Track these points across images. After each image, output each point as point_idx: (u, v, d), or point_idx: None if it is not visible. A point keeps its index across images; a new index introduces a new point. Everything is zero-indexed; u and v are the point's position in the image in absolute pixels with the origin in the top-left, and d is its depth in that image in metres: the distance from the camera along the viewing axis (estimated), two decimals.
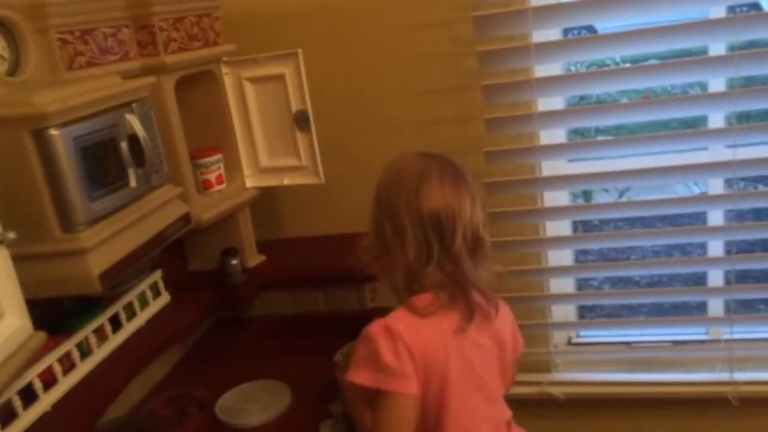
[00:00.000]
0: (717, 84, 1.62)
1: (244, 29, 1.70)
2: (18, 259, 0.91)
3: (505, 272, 1.20)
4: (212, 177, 1.55)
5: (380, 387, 1.06)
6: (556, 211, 1.76)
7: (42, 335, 0.95)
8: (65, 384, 1.19)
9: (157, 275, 1.51)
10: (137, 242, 1.18)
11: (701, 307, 1.79)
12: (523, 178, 1.70)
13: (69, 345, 1.21)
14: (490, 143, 1.67)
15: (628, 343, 1.83)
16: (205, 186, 1.54)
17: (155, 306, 1.48)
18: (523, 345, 1.26)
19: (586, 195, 1.99)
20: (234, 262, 1.59)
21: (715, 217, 1.70)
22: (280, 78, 1.54)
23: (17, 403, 1.10)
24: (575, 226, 1.89)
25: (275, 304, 1.69)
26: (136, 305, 1.42)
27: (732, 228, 1.63)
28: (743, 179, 1.66)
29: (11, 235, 0.88)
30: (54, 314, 1.21)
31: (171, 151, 1.39)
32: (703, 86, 1.64)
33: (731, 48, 1.58)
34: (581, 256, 1.98)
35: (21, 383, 1.10)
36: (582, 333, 1.88)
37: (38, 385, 1.14)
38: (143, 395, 1.42)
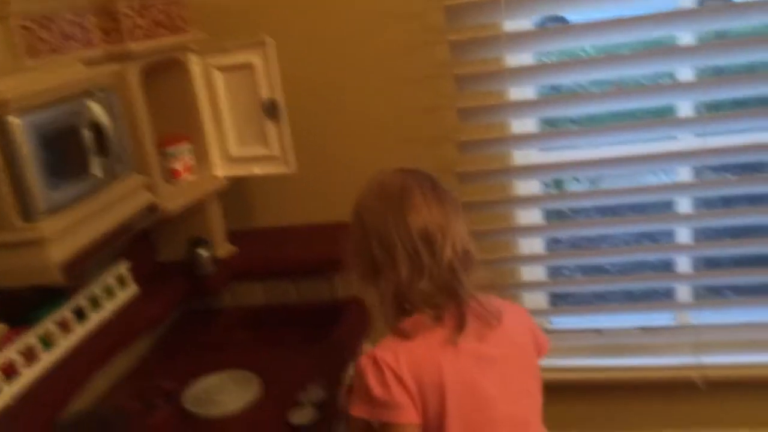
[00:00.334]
0: (685, 74, 1.63)
1: (214, 17, 1.68)
2: None
3: (495, 285, 1.17)
4: (180, 166, 1.52)
5: (376, 419, 1.05)
6: (528, 200, 1.77)
7: (2, 327, 0.93)
8: (27, 376, 1.17)
9: (123, 266, 1.48)
10: (100, 232, 1.16)
11: (670, 294, 1.82)
12: (496, 167, 1.70)
13: (30, 337, 1.19)
14: (463, 133, 1.67)
15: (598, 330, 1.85)
16: (173, 175, 1.52)
17: (122, 297, 1.46)
18: (548, 344, 1.20)
19: (558, 185, 2.00)
20: (203, 252, 1.57)
21: (683, 205, 1.72)
22: (249, 66, 1.52)
23: None
24: (547, 216, 1.90)
25: (246, 294, 1.68)
26: (102, 296, 1.40)
27: (699, 215, 1.65)
28: (711, 168, 1.68)
29: None
30: (15, 306, 1.18)
31: (137, 139, 1.36)
32: (673, 77, 1.65)
33: (700, 38, 1.60)
34: (553, 245, 1.99)
35: None
36: (554, 320, 1.90)
37: None
38: (109, 388, 1.40)
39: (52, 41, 1.23)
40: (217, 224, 1.65)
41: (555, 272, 2.00)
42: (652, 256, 1.89)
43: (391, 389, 1.04)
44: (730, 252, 1.72)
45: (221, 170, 1.60)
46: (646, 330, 1.82)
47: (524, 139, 1.69)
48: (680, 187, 1.71)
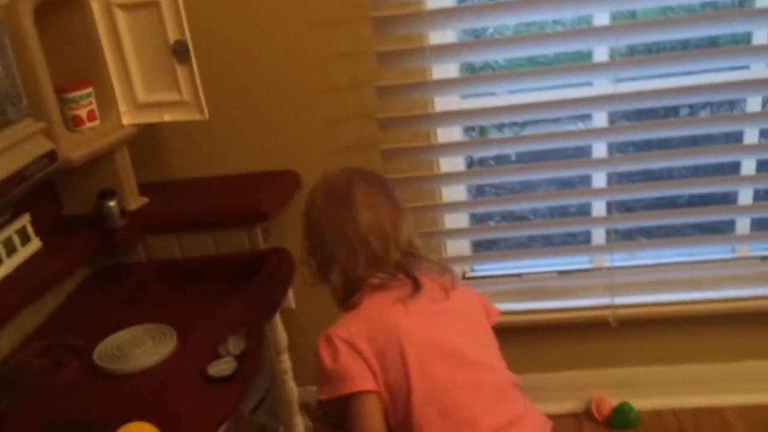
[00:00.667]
0: (601, 18, 1.65)
1: None
2: None
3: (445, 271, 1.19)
4: (83, 113, 1.43)
5: (336, 395, 1.05)
6: (449, 147, 1.77)
7: None
8: None
9: (25, 219, 1.39)
10: None
11: (587, 240, 1.88)
12: (416, 113, 1.68)
13: None
14: (382, 78, 1.64)
15: (518, 275, 1.90)
16: (75, 123, 1.42)
17: (24, 252, 1.37)
18: (498, 315, 1.22)
19: (483, 133, 2.01)
20: (111, 204, 1.49)
21: (600, 150, 1.76)
22: (154, 5, 1.42)
23: None
24: (470, 164, 1.91)
25: (161, 248, 1.61)
26: (1, 251, 1.31)
27: (613, 160, 1.70)
28: (626, 114, 1.73)
29: None
30: None
31: (31, 82, 1.27)
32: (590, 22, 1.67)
33: None
34: (478, 196, 2.02)
35: None
36: (476, 267, 1.93)
37: None
38: (14, 347, 1.33)
39: None
40: (126, 175, 1.57)
41: (480, 221, 2.03)
42: (571, 201, 1.94)
43: (345, 359, 1.05)
44: (642, 196, 1.78)
45: (128, 117, 1.52)
46: (563, 273, 1.88)
47: (444, 84, 1.68)
48: (595, 132, 1.75)
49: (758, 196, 1.80)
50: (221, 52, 1.64)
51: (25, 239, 1.39)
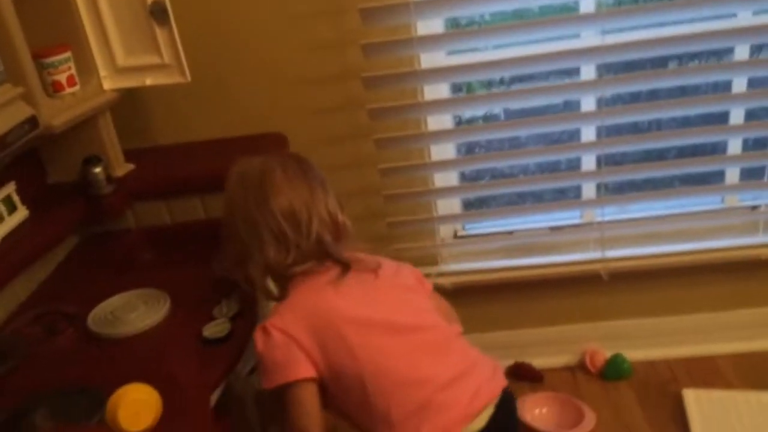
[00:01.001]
0: None
1: None
2: None
3: (374, 251, 1.20)
4: (62, 78, 1.40)
5: (274, 385, 1.06)
6: (437, 104, 1.75)
7: None
8: None
9: (10, 188, 1.37)
10: None
11: (578, 195, 1.88)
12: (403, 70, 1.66)
13: None
14: (367, 36, 1.61)
15: (510, 232, 1.90)
16: (55, 88, 1.39)
17: (11, 221, 1.35)
18: (430, 286, 1.23)
19: (470, 92, 1.99)
20: (97, 170, 1.47)
21: (588, 104, 1.75)
22: None
23: None
24: (458, 124, 1.90)
25: (149, 214, 1.59)
26: None
27: (602, 113, 1.69)
28: (613, 70, 1.71)
29: None
30: None
31: (6, 46, 1.24)
32: None
33: None
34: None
35: None
36: (467, 226, 1.93)
37: None
38: (7, 316, 1.32)
39: None
40: (110, 141, 1.54)
41: (470, 181, 2.02)
42: (561, 156, 1.93)
43: (281, 349, 1.05)
44: (632, 149, 1.78)
45: (109, 82, 1.48)
46: (554, 229, 1.88)
47: (430, 40, 1.65)
48: (582, 85, 1.74)
49: (747, 145, 1.80)
50: (202, 13, 1.61)
51: (12, 208, 1.38)
